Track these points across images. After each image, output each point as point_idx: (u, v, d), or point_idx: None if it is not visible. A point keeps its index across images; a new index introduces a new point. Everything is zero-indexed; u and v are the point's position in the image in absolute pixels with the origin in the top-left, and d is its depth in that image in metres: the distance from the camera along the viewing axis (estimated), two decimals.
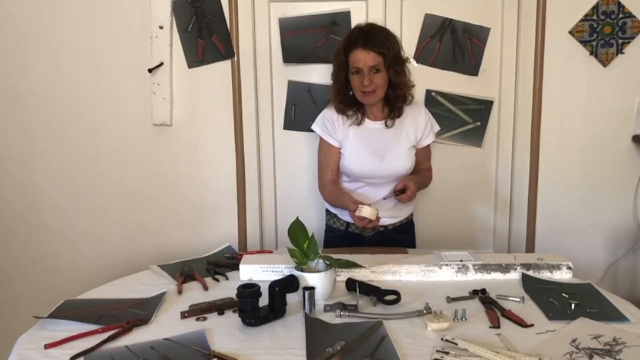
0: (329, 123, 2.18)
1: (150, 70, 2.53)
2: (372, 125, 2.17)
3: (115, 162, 2.67)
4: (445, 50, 2.55)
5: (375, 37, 2.04)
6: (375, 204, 2.02)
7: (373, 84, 2.04)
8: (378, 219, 1.95)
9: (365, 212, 1.92)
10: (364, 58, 2.02)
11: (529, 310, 1.62)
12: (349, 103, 2.14)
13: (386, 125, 2.16)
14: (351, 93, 2.13)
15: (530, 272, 1.85)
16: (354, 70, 2.05)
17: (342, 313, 1.57)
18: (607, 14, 2.50)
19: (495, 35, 2.55)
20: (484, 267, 1.86)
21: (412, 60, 2.48)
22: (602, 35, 2.52)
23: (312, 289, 1.60)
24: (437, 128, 2.27)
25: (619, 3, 2.49)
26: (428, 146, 2.26)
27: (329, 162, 2.20)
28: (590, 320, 1.53)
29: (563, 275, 1.87)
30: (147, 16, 2.52)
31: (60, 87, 2.61)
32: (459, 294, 1.72)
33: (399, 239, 2.26)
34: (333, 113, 2.18)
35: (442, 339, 1.41)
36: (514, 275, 1.86)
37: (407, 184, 2.05)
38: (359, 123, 2.16)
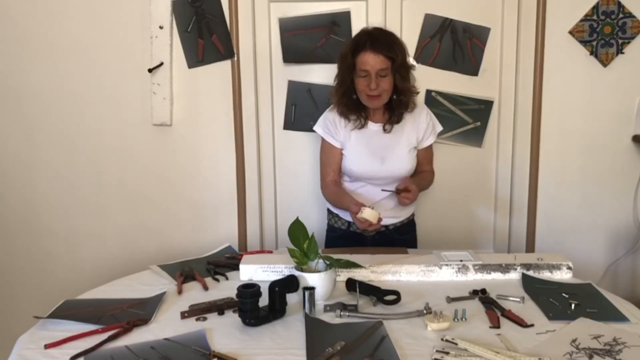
0: (331, 124, 2.18)
1: (150, 70, 2.53)
2: (374, 127, 2.17)
3: (115, 162, 2.67)
4: (445, 50, 2.55)
5: (384, 41, 2.03)
6: (377, 205, 2.02)
7: (379, 88, 2.04)
8: (380, 220, 1.95)
9: (367, 214, 1.92)
10: (372, 61, 2.00)
11: (529, 310, 1.62)
12: (352, 107, 2.13)
13: (384, 130, 2.15)
14: (355, 96, 2.12)
15: (530, 272, 1.85)
16: (361, 73, 2.04)
17: (342, 313, 1.57)
18: (607, 14, 2.50)
19: (495, 35, 2.55)
20: (484, 267, 1.86)
21: (412, 60, 2.48)
22: (602, 35, 2.52)
23: (312, 289, 1.60)
24: (439, 128, 2.26)
25: (619, 3, 2.49)
26: (430, 148, 2.25)
27: (330, 163, 2.21)
28: (590, 320, 1.53)
29: (563, 275, 1.87)
30: (147, 16, 2.52)
31: (61, 87, 2.61)
32: (459, 294, 1.72)
33: (400, 239, 2.25)
34: (335, 115, 2.18)
35: (442, 339, 1.41)
36: (514, 275, 1.86)
37: (410, 186, 2.04)
38: (362, 126, 2.16)
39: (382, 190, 2.10)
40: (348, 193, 2.17)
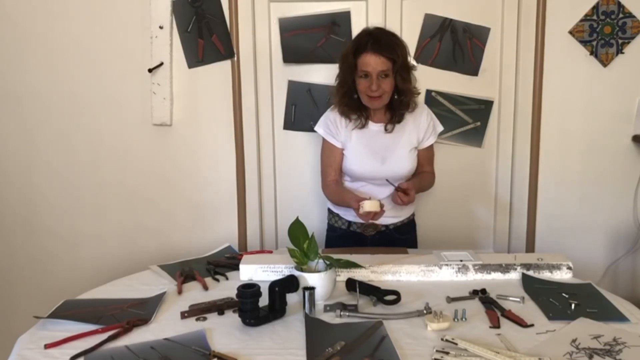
0: (332, 125, 2.18)
1: (150, 70, 2.53)
2: (374, 128, 2.17)
3: (115, 163, 2.67)
4: (445, 50, 2.55)
5: (386, 42, 2.02)
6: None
7: (380, 89, 2.04)
8: (382, 207, 1.96)
9: (368, 206, 1.93)
10: (374, 63, 2.00)
11: (529, 310, 1.62)
12: (353, 107, 2.13)
13: (386, 130, 2.16)
14: (356, 96, 2.12)
15: (530, 272, 1.85)
16: (362, 74, 2.04)
17: (342, 313, 1.57)
18: (607, 14, 2.50)
19: (495, 35, 2.55)
20: (484, 267, 1.86)
21: (413, 61, 2.48)
22: (602, 35, 2.52)
23: (312, 289, 1.60)
24: (440, 128, 2.26)
25: (619, 3, 2.49)
26: (431, 148, 2.25)
27: (331, 163, 2.21)
28: (590, 320, 1.53)
29: (563, 275, 1.87)
30: (147, 16, 2.52)
31: (60, 87, 2.61)
32: (459, 294, 1.72)
33: (400, 238, 2.26)
34: (336, 115, 2.18)
35: (442, 339, 1.41)
36: (514, 275, 1.86)
37: (410, 191, 2.04)
38: (362, 126, 2.16)
39: (386, 180, 2.09)
40: (349, 190, 2.18)
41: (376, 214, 1.96)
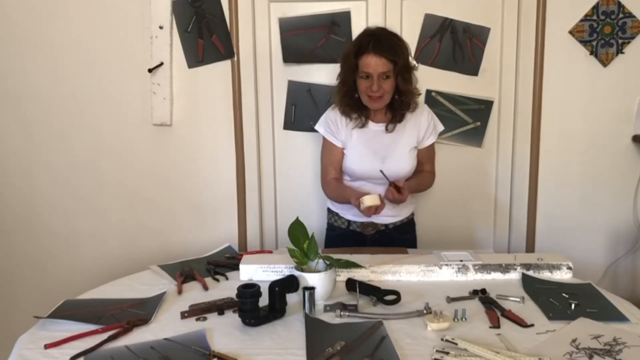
0: (333, 124, 2.18)
1: (150, 70, 2.53)
2: (375, 127, 2.17)
3: (115, 163, 2.67)
4: (445, 50, 2.55)
5: (387, 43, 2.02)
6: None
7: (381, 90, 2.04)
8: (382, 199, 1.96)
9: (368, 202, 1.94)
10: (374, 64, 2.00)
11: (529, 310, 1.62)
12: (354, 106, 2.13)
13: (387, 130, 2.16)
14: (357, 96, 2.12)
15: (530, 272, 1.85)
16: (363, 74, 2.04)
17: (342, 313, 1.57)
18: (607, 14, 2.50)
19: (495, 35, 2.55)
20: (484, 267, 1.86)
21: (413, 61, 2.48)
22: (602, 35, 2.52)
23: (312, 289, 1.60)
24: (440, 128, 2.26)
25: (619, 3, 2.49)
26: (432, 147, 2.25)
27: (332, 162, 2.21)
28: (590, 320, 1.53)
29: (563, 275, 1.87)
30: (147, 16, 2.52)
31: (60, 87, 2.61)
32: (459, 294, 1.72)
33: (400, 238, 2.26)
34: (337, 114, 2.18)
35: (442, 339, 1.41)
36: (514, 275, 1.86)
37: (404, 191, 2.03)
38: (363, 126, 2.16)
39: (380, 171, 2.08)
40: (349, 187, 2.18)
41: (378, 208, 1.96)
